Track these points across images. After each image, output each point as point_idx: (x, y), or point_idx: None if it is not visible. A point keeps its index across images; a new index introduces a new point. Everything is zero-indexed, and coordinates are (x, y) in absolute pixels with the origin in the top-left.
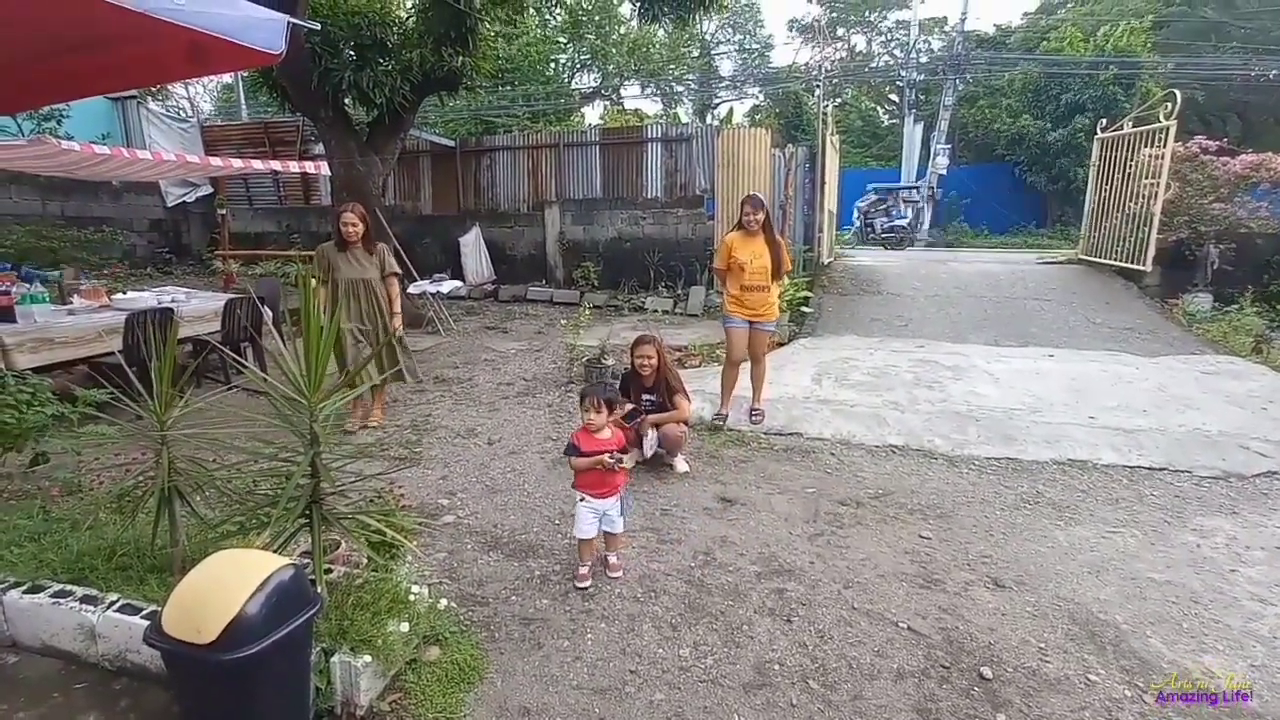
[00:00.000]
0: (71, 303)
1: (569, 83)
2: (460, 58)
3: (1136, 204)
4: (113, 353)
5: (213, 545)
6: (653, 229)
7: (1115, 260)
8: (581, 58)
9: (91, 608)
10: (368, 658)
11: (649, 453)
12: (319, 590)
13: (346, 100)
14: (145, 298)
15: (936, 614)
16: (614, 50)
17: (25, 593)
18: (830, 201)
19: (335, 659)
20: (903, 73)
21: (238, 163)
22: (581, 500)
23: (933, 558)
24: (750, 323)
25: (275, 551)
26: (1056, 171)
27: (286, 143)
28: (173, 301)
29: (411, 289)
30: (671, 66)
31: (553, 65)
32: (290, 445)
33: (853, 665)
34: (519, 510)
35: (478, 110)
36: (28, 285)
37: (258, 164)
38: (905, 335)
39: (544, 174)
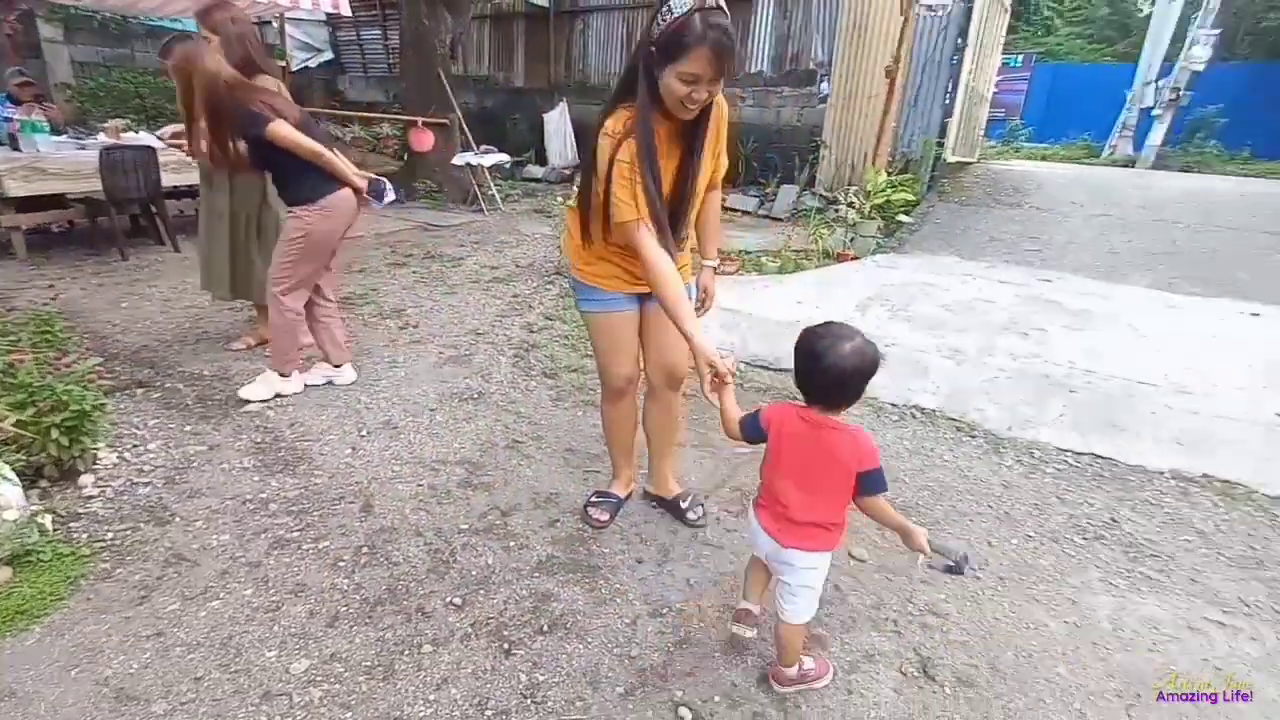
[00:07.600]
0: (97, 139)
1: None
2: None
3: None
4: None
5: None
6: (751, 111)
7: None
8: None
9: None
10: None
11: None
12: None
13: None
14: (150, 139)
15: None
16: None
17: None
18: (982, 80)
19: None
20: None
21: None
22: None
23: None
24: (640, 297)
25: None
26: None
27: (394, 4)
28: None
29: (455, 160)
30: None
31: None
32: None
33: None
34: (349, 414)
35: None
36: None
37: None
38: (1030, 263)
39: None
